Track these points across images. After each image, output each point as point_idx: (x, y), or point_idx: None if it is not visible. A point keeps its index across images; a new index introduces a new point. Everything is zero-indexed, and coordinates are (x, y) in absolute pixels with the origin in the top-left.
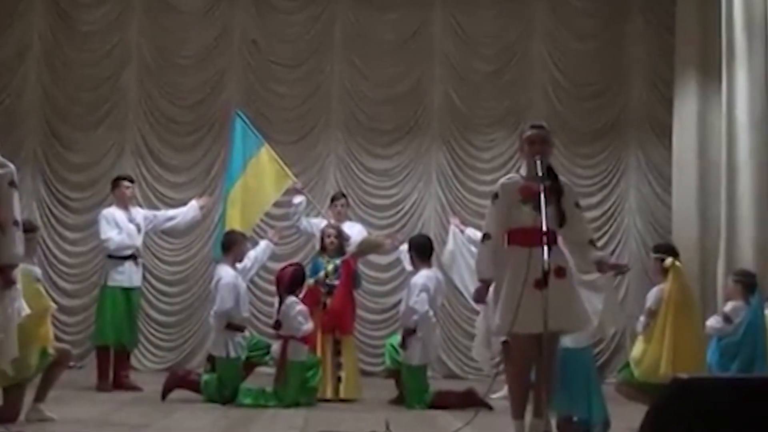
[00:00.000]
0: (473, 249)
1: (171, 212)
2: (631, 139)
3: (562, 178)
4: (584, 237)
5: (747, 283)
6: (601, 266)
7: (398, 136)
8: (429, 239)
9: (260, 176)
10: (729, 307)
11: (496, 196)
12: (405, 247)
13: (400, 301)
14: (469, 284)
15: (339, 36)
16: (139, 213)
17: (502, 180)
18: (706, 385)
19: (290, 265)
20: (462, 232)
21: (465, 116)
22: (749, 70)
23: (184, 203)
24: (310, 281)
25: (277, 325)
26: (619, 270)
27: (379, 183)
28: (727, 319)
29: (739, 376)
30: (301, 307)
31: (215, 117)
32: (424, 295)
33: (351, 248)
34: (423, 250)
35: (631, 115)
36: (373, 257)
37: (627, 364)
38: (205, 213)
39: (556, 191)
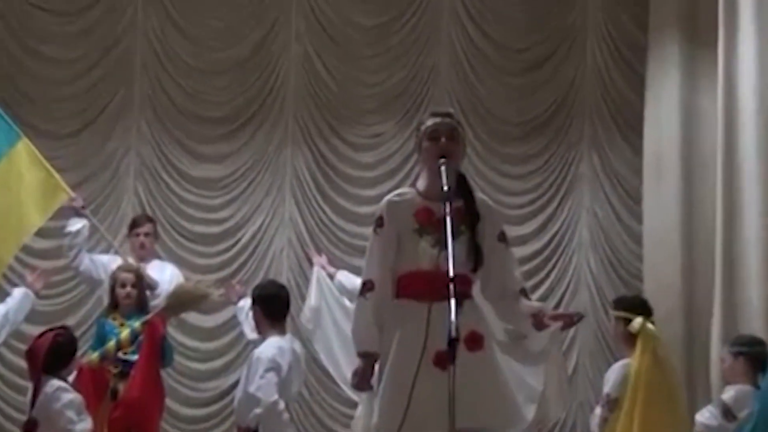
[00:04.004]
0: (348, 304)
1: None
2: (582, 136)
3: (480, 195)
4: (511, 285)
5: (754, 356)
6: (538, 320)
7: (234, 128)
8: (282, 289)
9: (15, 188)
10: (730, 394)
11: (380, 222)
12: (245, 301)
13: (235, 386)
14: (340, 359)
15: None
16: None
17: (389, 197)
18: None
19: (50, 330)
20: (331, 277)
21: (336, 97)
22: (760, 31)
23: None
24: (92, 356)
25: (32, 425)
26: (568, 322)
27: (203, 200)
28: (727, 412)
29: None
30: (71, 396)
31: None
32: (271, 375)
33: (159, 302)
34: (272, 307)
35: (583, 99)
36: (194, 317)
37: None
38: None
39: (470, 215)
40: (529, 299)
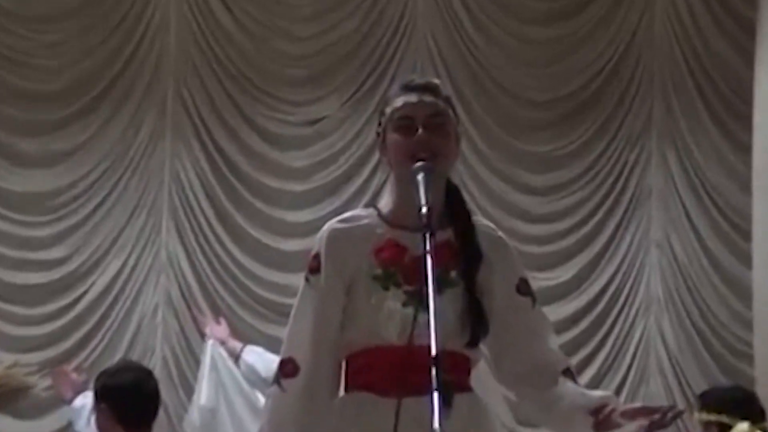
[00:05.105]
0: (263, 399)
1: None
2: (650, 125)
3: (482, 220)
4: (549, 363)
5: None
6: (603, 420)
7: (75, 109)
8: (146, 377)
9: None
10: None
11: (316, 263)
12: (85, 398)
13: None
14: None
15: None
16: None
17: (333, 223)
18: None
19: None
20: (235, 358)
21: (247, 60)
22: None
23: None
24: None
25: None
26: (659, 421)
27: (22, 229)
28: None
29: None
30: None
31: None
32: None
33: None
34: (129, 406)
35: (651, 66)
36: (4, 422)
37: None
38: None
39: (465, 253)
40: (576, 381)
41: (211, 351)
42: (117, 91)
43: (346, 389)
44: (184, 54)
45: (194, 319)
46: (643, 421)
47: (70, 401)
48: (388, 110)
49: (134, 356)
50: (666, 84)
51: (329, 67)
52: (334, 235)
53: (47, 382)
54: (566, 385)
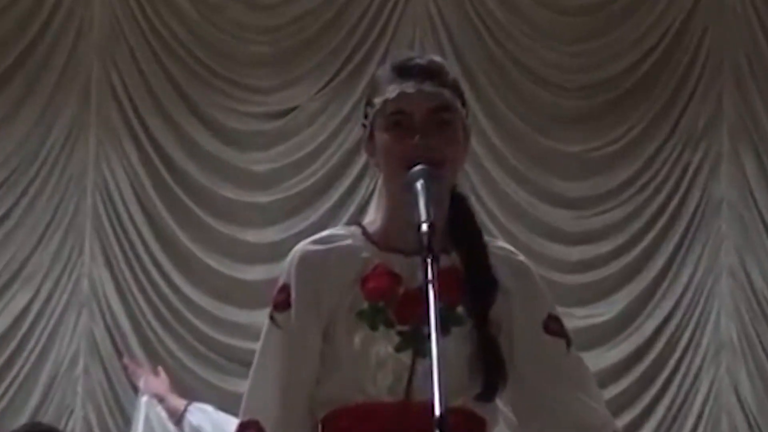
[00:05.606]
0: None
1: None
2: (720, 116)
3: (496, 240)
4: (587, 424)
5: None
6: None
7: None
8: None
9: None
10: None
11: (283, 297)
12: None
13: None
14: None
15: None
16: None
17: (305, 245)
18: None
19: None
20: (177, 419)
21: (196, 33)
22: None
23: None
24: None
25: None
26: None
27: None
28: None
29: None
30: None
31: None
32: None
33: None
34: None
35: (717, 38)
36: None
37: None
38: None
39: (476, 283)
40: None
41: (145, 410)
42: (25, 73)
43: None
44: (112, 25)
45: (125, 369)
46: None
47: None
48: (378, 101)
49: (46, 416)
50: (740, 64)
51: (301, 43)
52: (308, 260)
53: None
54: None
